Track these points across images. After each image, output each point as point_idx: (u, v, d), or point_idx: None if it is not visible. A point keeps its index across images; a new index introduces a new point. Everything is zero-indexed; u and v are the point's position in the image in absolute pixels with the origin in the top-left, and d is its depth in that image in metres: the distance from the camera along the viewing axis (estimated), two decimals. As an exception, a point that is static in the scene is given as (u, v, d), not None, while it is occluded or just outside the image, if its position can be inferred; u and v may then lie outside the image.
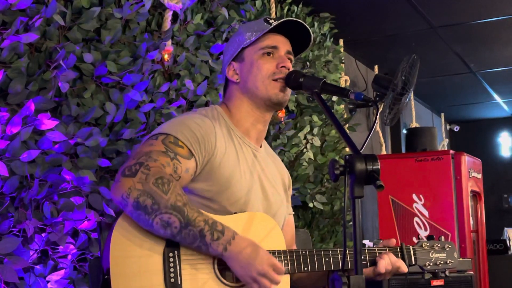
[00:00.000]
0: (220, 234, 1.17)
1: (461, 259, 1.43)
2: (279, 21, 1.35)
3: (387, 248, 1.36)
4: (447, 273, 1.40)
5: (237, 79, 1.37)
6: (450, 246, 1.41)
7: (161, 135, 1.24)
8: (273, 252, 1.26)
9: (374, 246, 1.39)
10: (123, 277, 1.14)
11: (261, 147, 1.42)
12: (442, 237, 1.42)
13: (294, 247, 1.50)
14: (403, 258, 1.36)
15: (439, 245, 1.41)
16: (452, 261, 1.40)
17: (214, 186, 1.28)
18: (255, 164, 1.38)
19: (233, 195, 1.29)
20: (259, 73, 1.33)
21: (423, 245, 1.40)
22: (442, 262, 1.39)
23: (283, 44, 1.38)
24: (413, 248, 1.39)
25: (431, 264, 1.39)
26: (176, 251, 1.18)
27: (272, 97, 1.34)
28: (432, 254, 1.39)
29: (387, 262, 1.31)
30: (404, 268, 1.33)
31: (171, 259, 1.17)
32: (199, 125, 1.28)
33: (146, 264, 1.16)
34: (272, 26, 1.34)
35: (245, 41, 1.36)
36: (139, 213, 1.14)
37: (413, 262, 1.38)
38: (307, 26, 1.38)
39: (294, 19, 1.37)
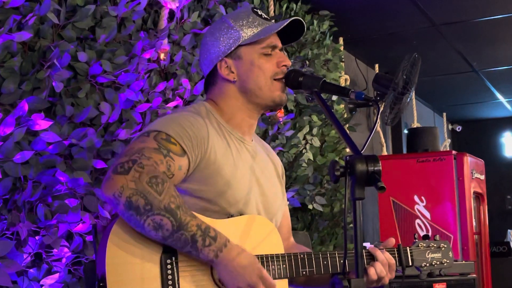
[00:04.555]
0: (212, 241, 1.14)
1: (463, 262, 1.42)
2: (286, 23, 1.31)
3: (384, 249, 1.35)
4: (442, 272, 1.40)
5: (234, 78, 1.33)
6: (445, 246, 1.41)
7: (152, 132, 1.21)
8: (271, 256, 1.25)
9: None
10: (120, 284, 1.12)
11: (252, 140, 1.40)
12: (437, 236, 1.42)
13: (292, 239, 1.48)
14: (400, 260, 1.35)
15: (435, 245, 1.40)
16: (448, 261, 1.40)
17: (213, 187, 1.25)
18: (251, 162, 1.35)
19: (233, 196, 1.27)
20: (262, 73, 1.31)
21: (420, 245, 1.39)
22: (437, 262, 1.39)
23: (278, 41, 1.36)
24: (410, 249, 1.38)
25: (427, 264, 1.38)
26: (173, 258, 1.17)
27: (275, 99, 1.32)
28: (428, 255, 1.39)
29: (380, 269, 1.29)
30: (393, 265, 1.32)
31: (169, 266, 1.15)
32: (192, 123, 1.25)
33: (143, 271, 1.14)
34: (279, 28, 1.30)
35: (241, 38, 1.31)
36: (130, 213, 1.11)
37: (410, 264, 1.37)
38: (303, 21, 1.35)
39: (297, 17, 1.34)
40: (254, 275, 1.16)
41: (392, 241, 1.37)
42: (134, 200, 1.10)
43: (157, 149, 1.18)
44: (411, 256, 1.37)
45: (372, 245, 1.35)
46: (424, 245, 1.39)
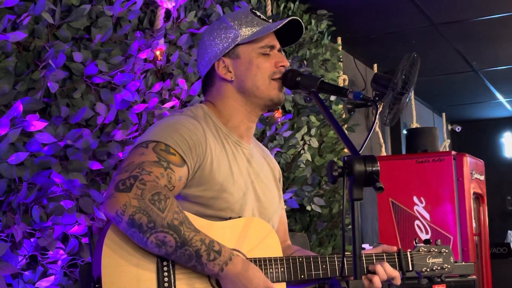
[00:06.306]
0: (217, 255, 1.14)
1: (463, 263, 1.43)
2: (285, 21, 1.31)
3: (384, 254, 1.34)
4: (442, 278, 1.40)
5: (231, 77, 1.32)
6: (447, 251, 1.40)
7: (151, 143, 1.20)
8: (269, 260, 1.24)
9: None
10: (116, 286, 1.11)
11: (250, 144, 1.39)
12: (439, 241, 1.41)
13: (288, 242, 1.48)
14: (400, 265, 1.34)
15: (436, 250, 1.39)
16: (449, 266, 1.39)
17: (208, 191, 1.24)
18: (246, 166, 1.34)
19: (228, 200, 1.26)
20: (260, 72, 1.30)
21: (420, 250, 1.38)
22: (438, 268, 1.38)
23: (277, 42, 1.35)
24: (410, 254, 1.37)
25: (428, 269, 1.38)
26: (170, 260, 1.16)
27: (273, 98, 1.31)
28: (429, 259, 1.38)
29: (382, 274, 1.28)
30: (398, 280, 1.31)
31: (165, 268, 1.15)
32: (189, 129, 1.24)
33: (139, 274, 1.13)
34: (278, 26, 1.30)
35: (239, 36, 1.30)
36: (133, 230, 1.11)
37: (410, 269, 1.36)
38: (302, 22, 1.34)
39: (296, 18, 1.33)
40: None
41: (394, 249, 1.36)
42: (137, 218, 1.10)
43: (157, 162, 1.17)
44: (412, 260, 1.36)
45: (373, 252, 1.33)
46: (425, 249, 1.38)
